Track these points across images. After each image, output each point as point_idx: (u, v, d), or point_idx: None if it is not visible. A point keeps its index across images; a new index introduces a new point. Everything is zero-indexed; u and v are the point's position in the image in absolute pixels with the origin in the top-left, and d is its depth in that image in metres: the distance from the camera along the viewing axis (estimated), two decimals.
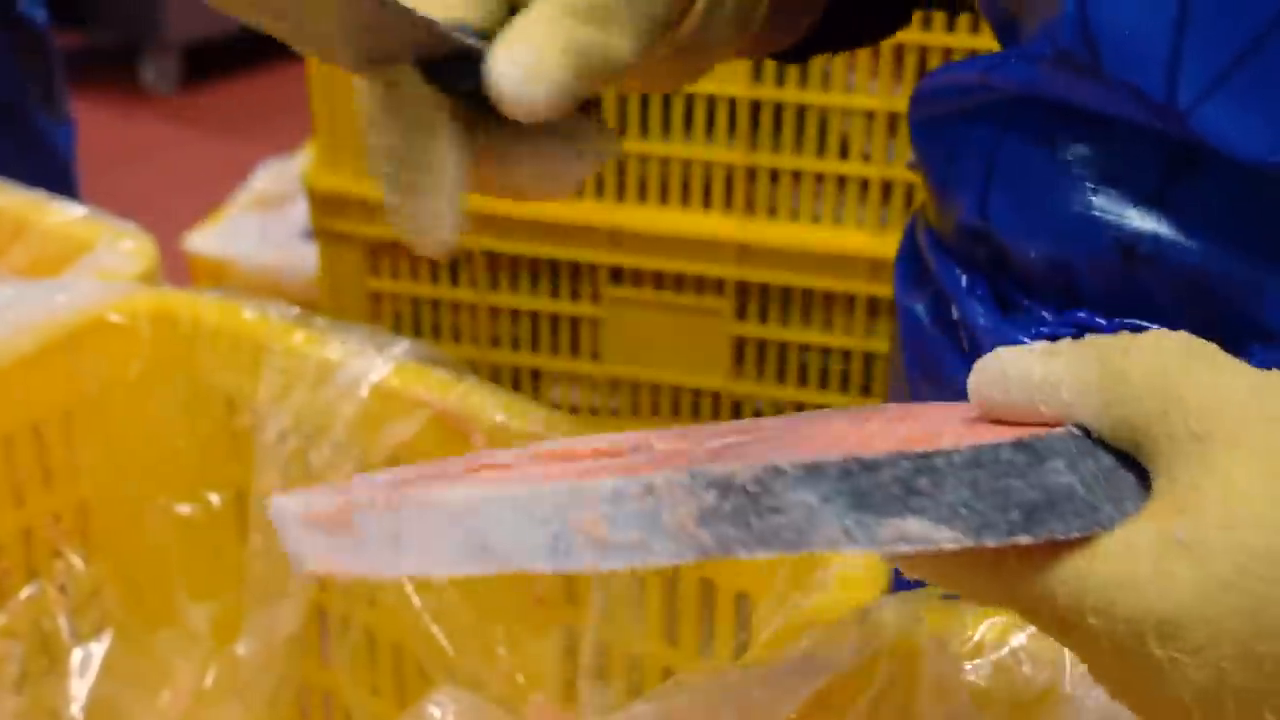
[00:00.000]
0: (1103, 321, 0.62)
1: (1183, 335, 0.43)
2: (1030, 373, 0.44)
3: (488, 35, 0.54)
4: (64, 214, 0.97)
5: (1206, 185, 0.58)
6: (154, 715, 0.91)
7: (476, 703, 0.80)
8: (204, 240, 2.35)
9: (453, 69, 0.54)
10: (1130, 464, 0.43)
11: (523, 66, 0.52)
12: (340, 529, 0.43)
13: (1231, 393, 0.42)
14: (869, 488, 0.40)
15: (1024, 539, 0.41)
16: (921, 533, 0.40)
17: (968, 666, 0.64)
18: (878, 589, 0.67)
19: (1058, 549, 0.42)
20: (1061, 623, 0.42)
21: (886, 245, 1.36)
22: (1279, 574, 0.39)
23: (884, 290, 1.36)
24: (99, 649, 0.90)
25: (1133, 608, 0.40)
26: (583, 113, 0.59)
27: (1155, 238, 0.59)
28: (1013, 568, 0.42)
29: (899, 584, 0.68)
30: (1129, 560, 0.41)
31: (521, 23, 0.53)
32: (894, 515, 0.40)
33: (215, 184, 2.82)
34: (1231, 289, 0.58)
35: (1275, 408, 0.41)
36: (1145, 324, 0.61)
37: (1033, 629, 0.63)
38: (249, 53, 4.18)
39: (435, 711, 0.79)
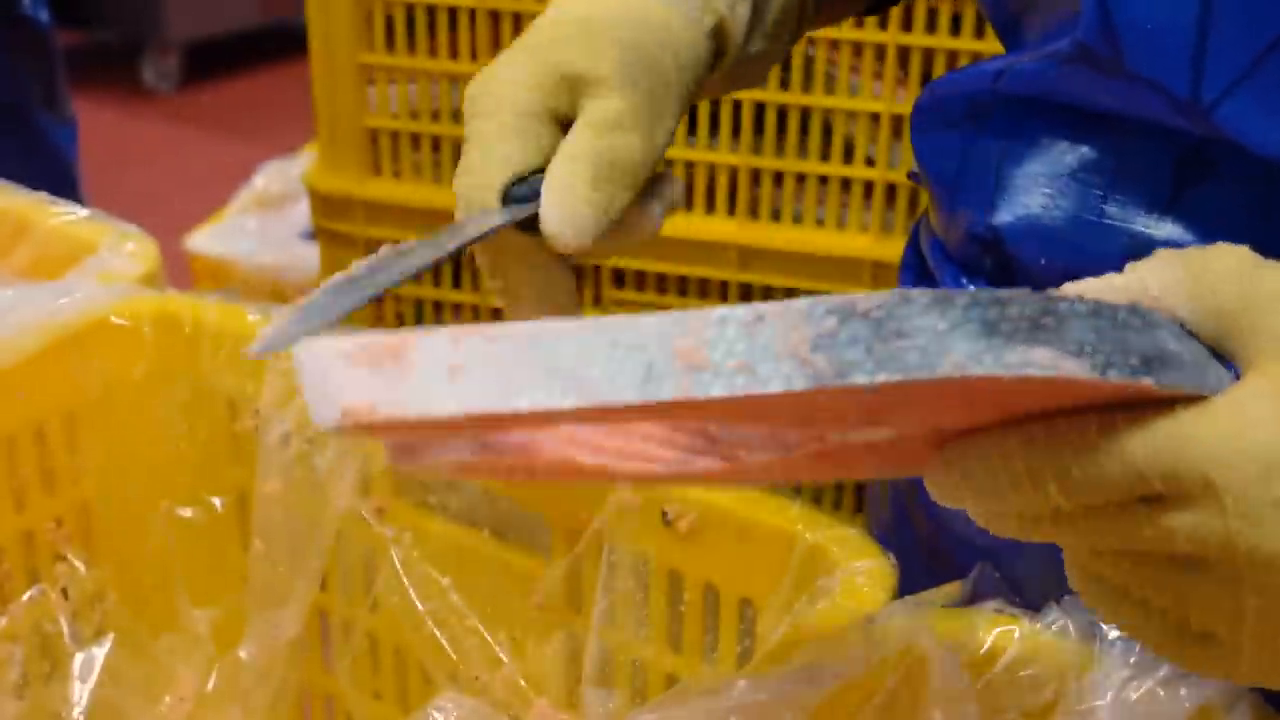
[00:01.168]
0: None
1: (1248, 248, 0.45)
2: (1112, 281, 0.46)
3: None
4: (66, 215, 0.96)
5: (1220, 189, 0.58)
6: (155, 719, 0.91)
7: (479, 707, 0.80)
8: (205, 240, 2.35)
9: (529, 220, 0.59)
10: (1218, 356, 0.45)
11: (559, 218, 0.58)
12: (390, 361, 0.38)
13: None
14: (996, 319, 0.40)
15: (1147, 381, 0.41)
16: (1050, 360, 0.40)
17: (975, 675, 0.64)
18: (883, 596, 0.67)
19: (1173, 409, 0.42)
20: (1175, 490, 0.42)
21: (890, 249, 1.36)
22: None
23: None
24: (100, 653, 0.89)
25: (1259, 447, 0.41)
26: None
27: (1168, 243, 0.59)
28: (1125, 432, 0.42)
29: (904, 591, 0.68)
30: (1250, 408, 0.42)
31: (552, 172, 0.59)
32: (1021, 343, 0.40)
33: (216, 183, 2.82)
34: None
35: None
36: None
37: (1031, 635, 0.63)
38: (250, 52, 4.18)
39: (438, 716, 0.78)
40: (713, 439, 0.49)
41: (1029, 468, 0.43)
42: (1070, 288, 0.46)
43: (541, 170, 0.60)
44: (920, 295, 0.40)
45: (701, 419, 0.45)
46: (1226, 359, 0.44)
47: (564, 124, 0.61)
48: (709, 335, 0.39)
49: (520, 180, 0.60)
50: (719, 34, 0.64)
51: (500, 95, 0.61)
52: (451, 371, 0.38)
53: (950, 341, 0.39)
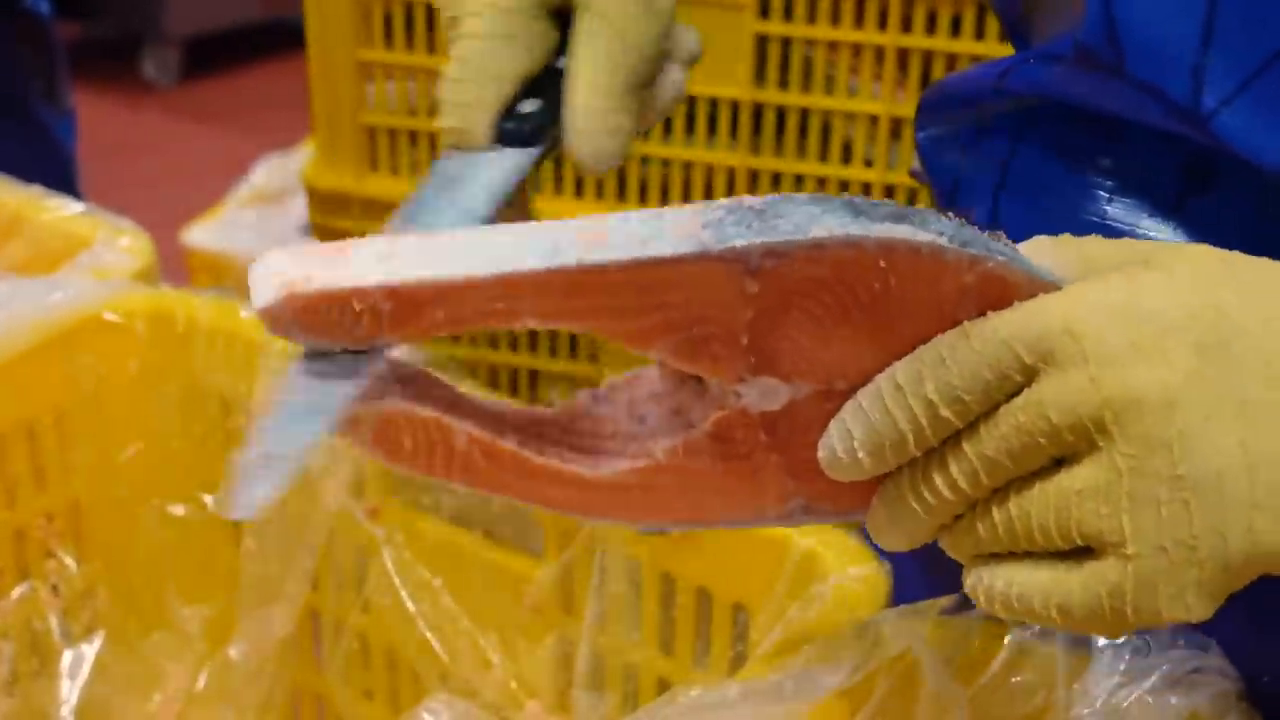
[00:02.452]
0: None
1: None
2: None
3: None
4: (61, 210, 0.96)
5: (1224, 195, 0.57)
6: (145, 718, 0.91)
7: (470, 710, 0.79)
8: (202, 234, 2.34)
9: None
10: None
11: (592, 153, 0.58)
12: (332, 252, 0.44)
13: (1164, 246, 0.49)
14: (866, 207, 0.46)
15: (1004, 256, 0.46)
16: (909, 232, 0.45)
17: (967, 682, 0.63)
18: (877, 603, 0.67)
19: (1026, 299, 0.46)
20: (1041, 354, 0.44)
21: None
22: (1242, 291, 0.44)
23: None
24: (90, 650, 0.89)
25: (1112, 298, 0.44)
26: None
27: None
28: (992, 318, 0.45)
29: (898, 598, 0.68)
30: (1107, 282, 0.45)
31: (576, 107, 0.58)
32: (887, 223, 0.46)
33: (214, 177, 2.81)
34: None
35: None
36: None
37: (1022, 643, 0.63)
38: (250, 47, 4.18)
39: (429, 718, 0.78)
40: (621, 435, 0.52)
41: (911, 380, 0.46)
42: None
43: (538, 83, 0.59)
44: (802, 195, 0.46)
45: (598, 300, 0.48)
46: None
47: (558, 12, 0.60)
48: (612, 224, 0.45)
49: (510, 114, 0.59)
50: None
51: None
52: (383, 256, 0.44)
53: (822, 218, 0.45)
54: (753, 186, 1.38)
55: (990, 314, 0.46)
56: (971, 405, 0.45)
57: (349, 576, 0.87)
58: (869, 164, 1.35)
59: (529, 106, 0.59)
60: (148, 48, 4.02)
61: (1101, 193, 0.61)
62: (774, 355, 0.49)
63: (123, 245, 0.92)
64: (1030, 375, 0.44)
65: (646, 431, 0.52)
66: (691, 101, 1.36)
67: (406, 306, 0.45)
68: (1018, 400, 0.45)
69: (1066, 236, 0.48)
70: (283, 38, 4.04)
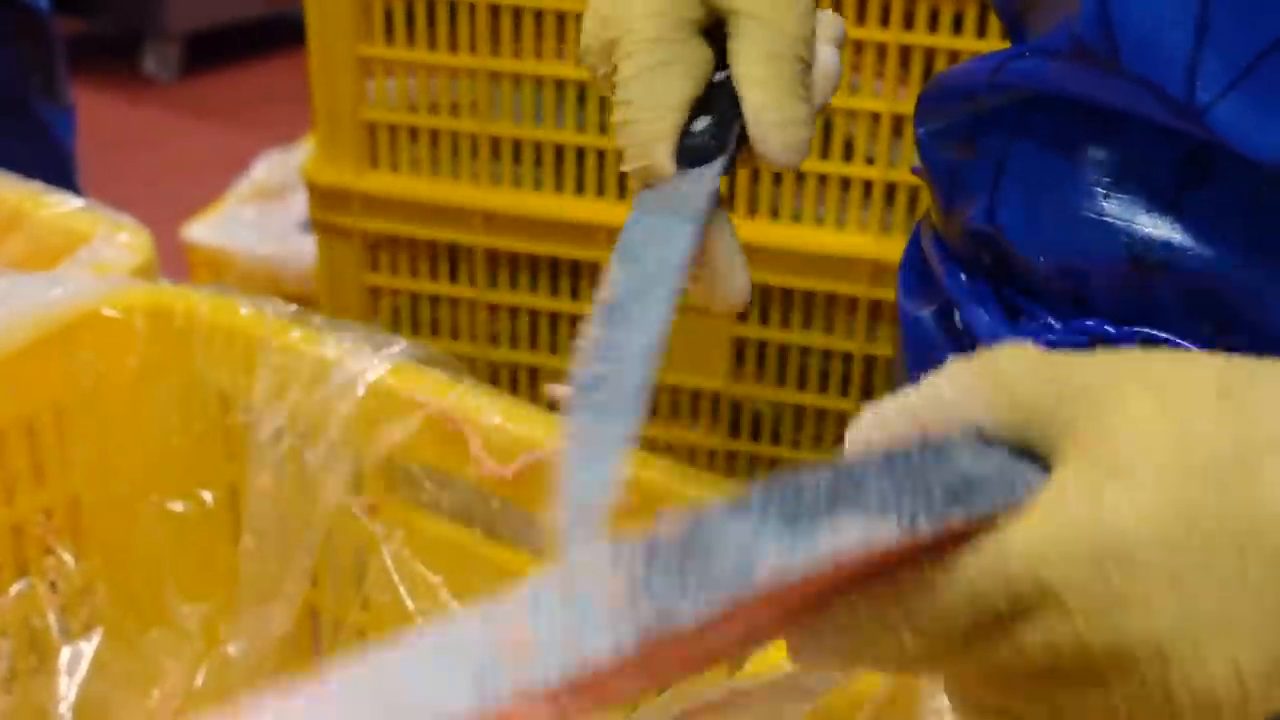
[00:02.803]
0: (1111, 330, 0.61)
1: (1034, 347, 0.45)
2: (908, 402, 0.45)
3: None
4: (60, 206, 0.96)
5: (1221, 190, 0.57)
6: (144, 714, 0.90)
7: None
8: (202, 230, 2.34)
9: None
10: (1025, 455, 0.44)
11: (782, 148, 0.60)
12: None
13: (1099, 362, 0.44)
14: (795, 507, 0.40)
15: (958, 514, 0.41)
16: (859, 532, 0.40)
17: None
18: None
19: (989, 530, 0.42)
20: (1017, 603, 0.41)
21: (889, 249, 1.35)
22: (1206, 482, 0.41)
23: (886, 294, 1.35)
24: (89, 647, 0.89)
25: (1083, 541, 0.41)
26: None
27: (1168, 244, 0.58)
28: (958, 561, 0.42)
29: None
30: (1065, 504, 0.41)
31: (755, 105, 0.59)
32: (826, 522, 0.40)
33: (215, 173, 2.81)
34: (1244, 297, 0.58)
35: (1142, 363, 0.44)
36: (1155, 333, 0.60)
37: None
38: (250, 42, 4.17)
39: None
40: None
41: (881, 621, 0.43)
42: (869, 417, 0.46)
43: (704, 101, 0.60)
44: (715, 507, 0.40)
45: (555, 703, 0.42)
46: (1034, 456, 0.44)
47: (707, 30, 0.61)
48: (531, 620, 0.38)
49: (689, 132, 0.59)
50: None
51: (636, 29, 0.59)
52: None
53: (759, 546, 0.39)
54: (754, 183, 1.38)
55: (952, 556, 0.42)
56: (950, 638, 0.43)
57: (348, 574, 0.86)
58: (870, 161, 1.35)
59: (701, 124, 0.60)
60: (148, 43, 4.02)
61: (1098, 187, 0.60)
62: (733, 624, 0.44)
63: (122, 241, 0.92)
64: (1005, 613, 0.42)
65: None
66: None
67: None
68: (996, 634, 0.42)
69: (986, 362, 0.45)
70: (283, 33, 4.03)
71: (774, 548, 0.40)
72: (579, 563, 0.39)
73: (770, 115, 0.59)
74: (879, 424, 0.46)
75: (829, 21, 0.64)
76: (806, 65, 0.62)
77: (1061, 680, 0.43)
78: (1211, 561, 0.41)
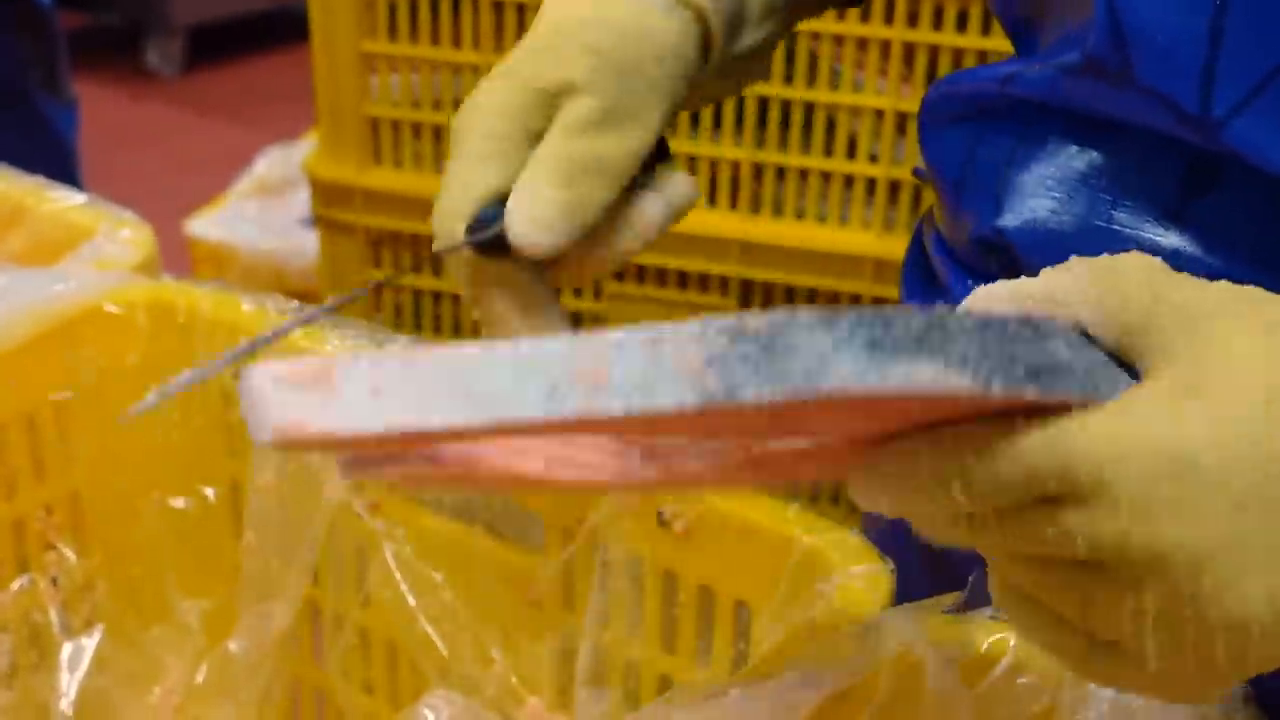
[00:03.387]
0: None
1: (1159, 260, 0.46)
2: (1023, 286, 0.46)
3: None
4: (63, 201, 0.96)
5: (1229, 200, 0.57)
6: (145, 711, 0.90)
7: (471, 706, 0.79)
8: (205, 225, 2.34)
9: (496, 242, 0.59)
10: (1118, 363, 0.45)
11: (524, 219, 0.57)
12: (319, 384, 0.41)
13: (1216, 292, 0.45)
14: (881, 336, 0.41)
15: (1033, 390, 0.42)
16: (933, 376, 0.41)
17: (971, 682, 0.63)
18: (880, 602, 0.67)
19: (1060, 414, 0.43)
20: (1070, 489, 0.42)
21: (892, 246, 1.35)
22: None
23: (889, 291, 1.35)
24: (90, 643, 0.89)
25: (1148, 445, 0.41)
26: (664, 163, 0.63)
27: (1176, 253, 0.58)
28: (1022, 434, 0.43)
29: (902, 596, 0.68)
30: (1140, 409, 0.42)
31: (519, 178, 0.58)
32: (905, 359, 0.41)
33: (217, 168, 2.81)
34: None
35: (1256, 303, 0.44)
36: None
37: (1029, 646, 0.62)
38: (253, 37, 4.17)
39: (429, 714, 0.78)
40: (650, 448, 0.50)
41: (934, 470, 0.44)
42: (981, 291, 0.47)
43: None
44: (807, 313, 0.42)
45: (608, 433, 0.47)
46: (1128, 366, 0.45)
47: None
48: (609, 356, 0.41)
49: (489, 205, 0.59)
50: (701, 22, 0.62)
51: (474, 124, 0.60)
52: (373, 392, 0.41)
53: (835, 358, 0.41)
54: (757, 181, 1.37)
55: (1020, 427, 0.43)
56: (998, 505, 0.44)
57: (350, 571, 0.86)
58: (874, 159, 1.35)
59: (491, 207, 0.59)
60: (151, 37, 4.02)
61: (1106, 196, 0.60)
62: (795, 432, 0.48)
63: (124, 237, 0.92)
64: (1055, 495, 0.43)
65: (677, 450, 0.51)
66: None
67: (408, 442, 0.45)
68: (1043, 512, 0.43)
69: (1107, 265, 0.46)
70: (286, 28, 4.03)
71: (849, 364, 0.41)
72: (668, 327, 0.42)
73: (524, 190, 0.58)
74: (987, 300, 0.47)
75: (676, 182, 0.63)
76: (607, 177, 0.59)
77: (1097, 574, 0.43)
78: (1271, 493, 0.41)
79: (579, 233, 0.58)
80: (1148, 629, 0.43)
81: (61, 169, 1.61)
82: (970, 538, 0.45)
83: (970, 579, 0.66)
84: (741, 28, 0.65)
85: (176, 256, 1.93)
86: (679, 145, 1.37)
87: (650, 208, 0.61)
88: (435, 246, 0.60)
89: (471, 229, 0.58)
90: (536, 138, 0.60)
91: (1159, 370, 0.43)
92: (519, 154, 0.59)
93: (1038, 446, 0.42)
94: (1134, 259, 0.46)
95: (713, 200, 1.39)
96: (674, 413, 0.41)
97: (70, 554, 0.89)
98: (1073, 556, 0.43)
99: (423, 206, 1.41)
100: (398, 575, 0.84)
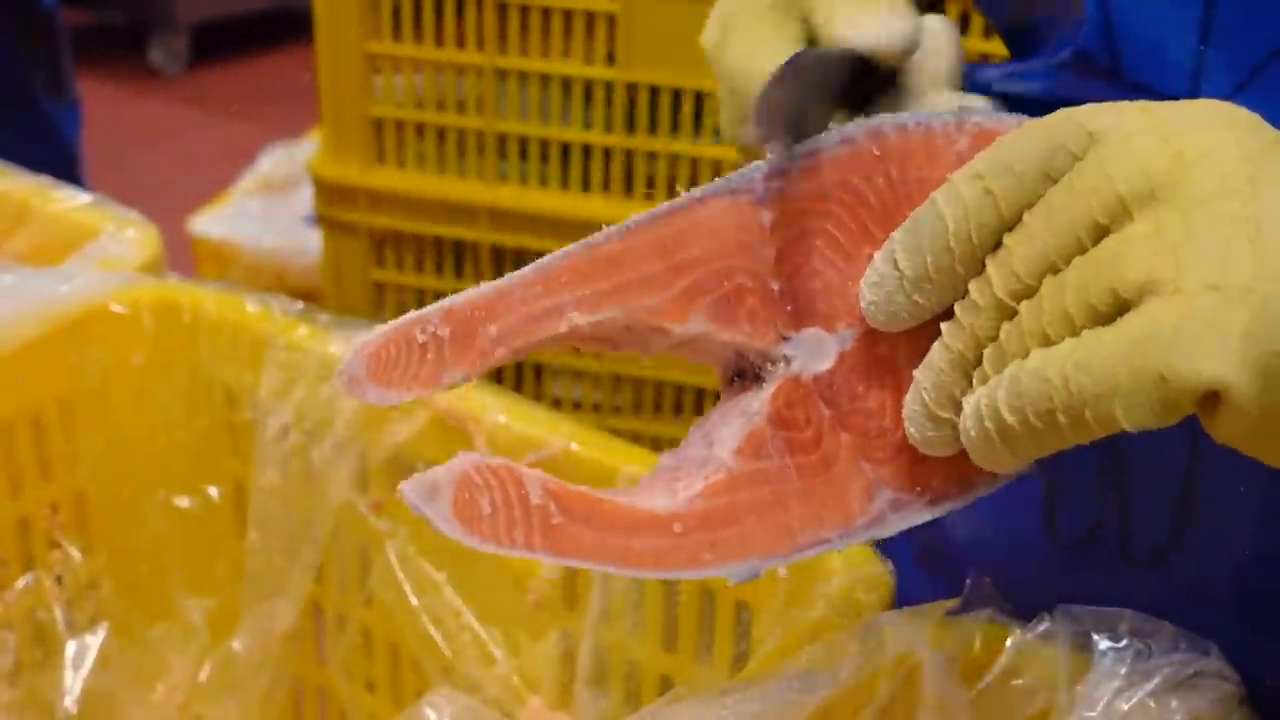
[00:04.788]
0: None
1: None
2: None
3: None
4: (68, 201, 0.96)
5: None
6: (148, 709, 0.91)
7: (472, 705, 0.79)
8: (208, 223, 2.35)
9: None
10: None
11: (877, 27, 0.54)
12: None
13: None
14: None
15: (978, 115, 0.50)
16: (888, 116, 0.50)
17: (968, 684, 0.64)
18: (880, 604, 0.67)
19: None
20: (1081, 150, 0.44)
21: None
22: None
23: None
24: (94, 641, 0.89)
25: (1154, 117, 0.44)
26: None
27: None
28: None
29: (901, 599, 0.68)
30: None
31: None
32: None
33: (221, 166, 2.82)
34: None
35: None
36: None
37: (1023, 645, 0.63)
38: (258, 35, 4.18)
39: (431, 713, 0.78)
40: (696, 461, 0.52)
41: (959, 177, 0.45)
42: None
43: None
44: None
45: (629, 274, 0.50)
46: None
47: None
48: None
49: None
50: None
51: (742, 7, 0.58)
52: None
53: (821, 138, 0.49)
54: None
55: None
56: (1024, 179, 0.45)
57: (353, 570, 0.87)
58: None
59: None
60: (155, 35, 4.03)
61: None
62: (809, 299, 0.49)
63: (129, 237, 0.92)
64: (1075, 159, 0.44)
65: (718, 449, 0.51)
66: (700, 96, 1.36)
67: (462, 328, 0.48)
68: (1074, 171, 0.44)
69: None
70: (290, 25, 4.03)
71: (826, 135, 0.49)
72: None
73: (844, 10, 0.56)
74: None
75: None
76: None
77: (1123, 222, 0.43)
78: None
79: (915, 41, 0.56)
80: (1179, 242, 0.42)
81: (65, 169, 1.61)
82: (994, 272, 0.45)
83: (968, 581, 0.66)
84: None
85: (179, 254, 1.94)
86: (681, 146, 1.37)
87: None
88: (728, 119, 0.58)
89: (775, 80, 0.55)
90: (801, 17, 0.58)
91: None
92: (793, 25, 0.57)
93: (1052, 120, 0.46)
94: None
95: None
96: (682, 205, 0.49)
97: (75, 552, 0.89)
98: (1093, 233, 0.44)
99: (427, 207, 1.42)
100: (400, 575, 0.84)
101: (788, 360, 0.50)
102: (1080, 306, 0.43)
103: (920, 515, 0.51)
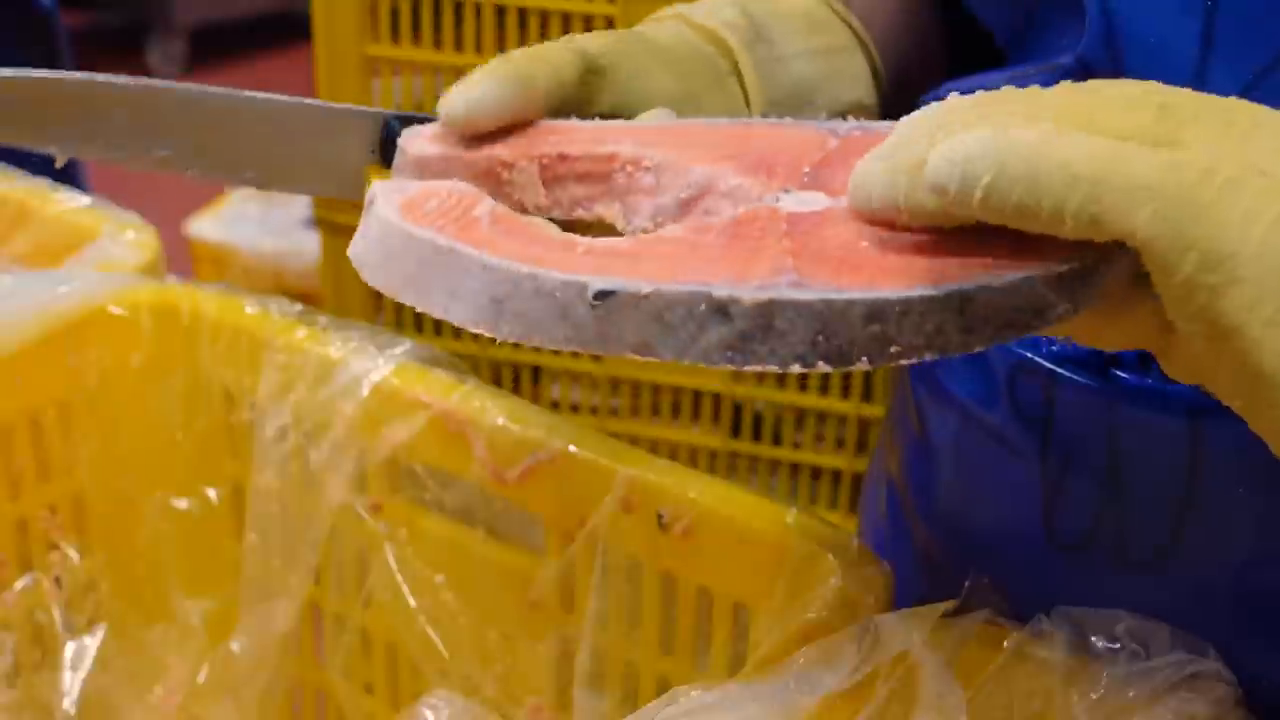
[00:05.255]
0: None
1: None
2: None
3: None
4: (67, 203, 0.96)
5: None
6: (146, 710, 0.91)
7: (470, 707, 0.80)
8: (206, 226, 2.35)
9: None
10: None
11: (463, 98, 0.58)
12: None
13: None
14: None
15: None
16: None
17: (966, 685, 0.64)
18: (877, 605, 0.67)
19: None
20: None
21: None
22: None
23: None
24: (93, 643, 0.90)
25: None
26: None
27: None
28: None
29: (899, 600, 0.68)
30: None
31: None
32: None
33: None
34: None
35: None
36: None
37: (1021, 646, 0.63)
38: (256, 38, 4.18)
39: (429, 715, 0.79)
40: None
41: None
42: None
43: None
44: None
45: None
46: None
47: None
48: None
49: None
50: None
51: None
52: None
53: None
54: None
55: None
56: None
57: (351, 572, 0.87)
58: None
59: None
60: (154, 38, 4.03)
61: None
62: (829, 177, 0.51)
63: (128, 239, 0.92)
64: None
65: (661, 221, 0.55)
66: None
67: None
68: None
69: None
70: (289, 28, 4.04)
71: None
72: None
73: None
74: None
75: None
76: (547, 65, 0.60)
77: None
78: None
79: (514, 104, 0.58)
80: None
81: (64, 171, 1.61)
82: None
83: (966, 582, 0.67)
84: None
85: (177, 257, 1.94)
86: None
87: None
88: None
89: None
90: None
91: None
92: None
93: None
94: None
95: None
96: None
97: (73, 554, 0.89)
98: None
99: None
100: (399, 576, 0.84)
101: (776, 199, 0.51)
102: None
103: (814, 293, 0.45)
